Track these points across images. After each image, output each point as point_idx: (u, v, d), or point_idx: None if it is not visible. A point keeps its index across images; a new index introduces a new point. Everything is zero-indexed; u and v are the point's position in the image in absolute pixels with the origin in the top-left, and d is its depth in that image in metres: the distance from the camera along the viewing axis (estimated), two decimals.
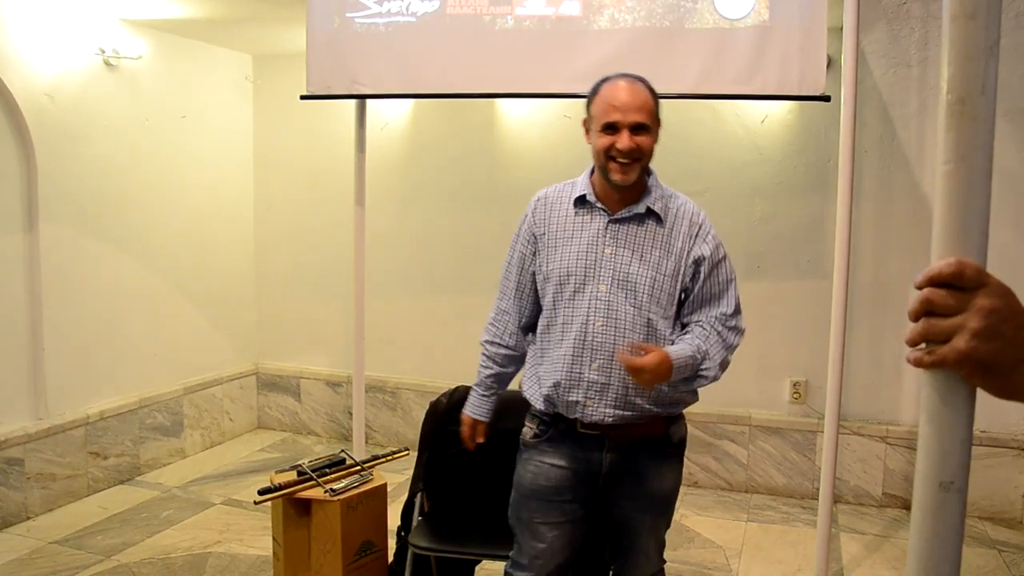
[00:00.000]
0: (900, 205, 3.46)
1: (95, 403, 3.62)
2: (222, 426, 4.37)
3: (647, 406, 1.78)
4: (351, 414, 4.16)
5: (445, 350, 4.16)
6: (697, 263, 1.80)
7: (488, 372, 1.97)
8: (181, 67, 3.97)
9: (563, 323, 1.79)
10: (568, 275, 1.79)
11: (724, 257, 1.84)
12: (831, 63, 2.84)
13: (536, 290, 1.89)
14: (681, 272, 1.79)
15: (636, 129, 1.73)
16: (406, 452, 2.64)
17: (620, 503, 1.86)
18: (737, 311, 1.84)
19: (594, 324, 1.75)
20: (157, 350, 3.96)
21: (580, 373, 1.76)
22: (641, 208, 1.79)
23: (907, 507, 3.59)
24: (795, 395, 3.69)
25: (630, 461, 1.82)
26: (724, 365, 1.82)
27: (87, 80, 3.50)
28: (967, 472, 0.67)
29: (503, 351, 1.96)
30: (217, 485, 3.74)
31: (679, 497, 1.96)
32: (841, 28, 2.64)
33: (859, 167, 3.28)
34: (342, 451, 2.59)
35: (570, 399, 1.77)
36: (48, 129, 3.33)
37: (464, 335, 3.72)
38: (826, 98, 2.72)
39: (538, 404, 1.85)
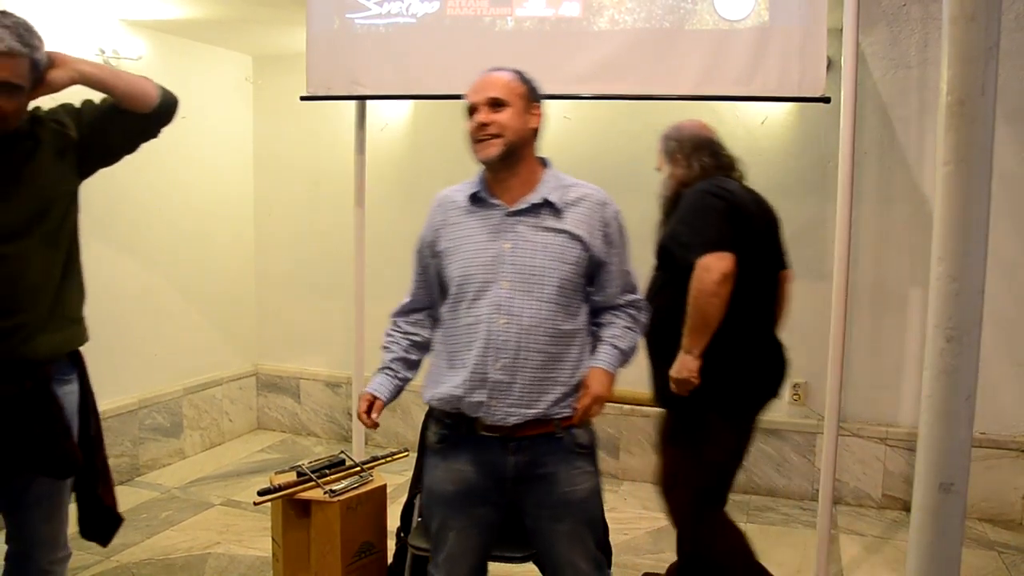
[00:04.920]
0: (900, 206, 3.46)
1: None
2: (222, 427, 4.37)
3: (552, 405, 1.74)
4: (351, 415, 4.16)
5: None
6: (603, 243, 1.79)
7: (392, 356, 1.91)
8: (181, 68, 3.97)
9: (467, 324, 1.75)
10: (468, 276, 1.75)
11: (625, 240, 1.85)
12: (831, 64, 2.84)
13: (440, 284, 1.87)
14: (585, 259, 1.77)
15: (494, 106, 1.75)
16: (406, 453, 2.64)
17: (532, 511, 1.81)
18: (638, 289, 1.90)
19: (497, 323, 1.71)
20: (157, 350, 3.95)
21: (484, 373, 1.72)
22: (536, 198, 1.76)
23: (907, 509, 3.58)
24: (795, 396, 3.69)
25: (537, 464, 1.76)
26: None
27: None
28: (967, 474, 0.67)
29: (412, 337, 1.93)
30: (217, 486, 3.74)
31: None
32: (841, 29, 2.64)
33: (859, 168, 3.28)
34: (342, 452, 2.59)
35: (473, 400, 1.73)
36: None
37: None
38: (826, 99, 2.72)
39: (440, 406, 1.80)
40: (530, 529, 1.84)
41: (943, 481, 0.68)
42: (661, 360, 2.32)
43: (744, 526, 3.37)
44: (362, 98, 3.26)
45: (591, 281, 1.82)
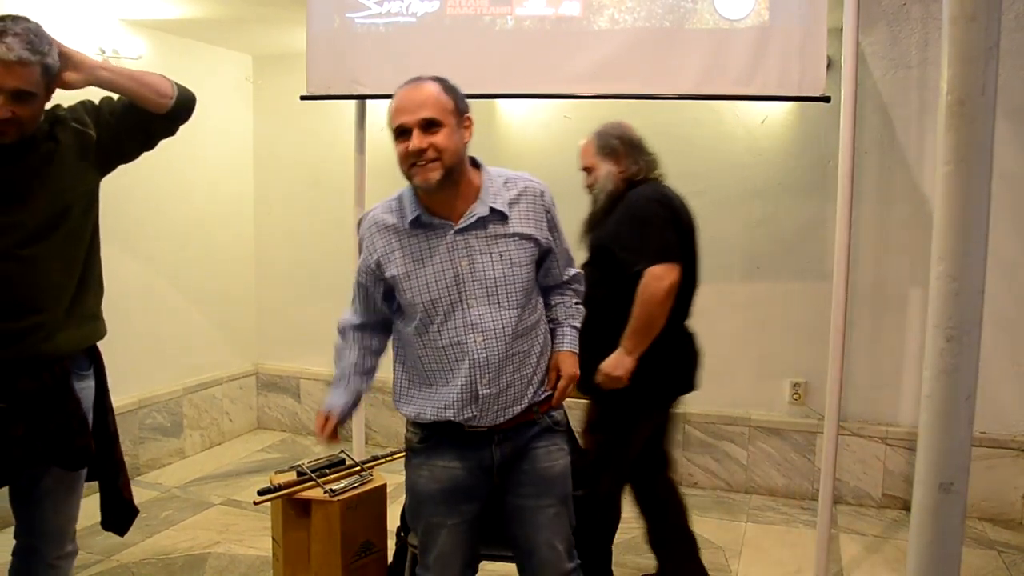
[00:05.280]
0: (900, 206, 3.46)
1: None
2: (222, 426, 4.37)
3: (533, 395, 1.80)
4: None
5: None
6: (548, 232, 1.81)
7: (345, 365, 1.97)
8: (181, 67, 3.96)
9: (442, 347, 1.74)
10: (433, 301, 1.73)
11: (559, 220, 1.86)
12: (831, 64, 2.84)
13: (384, 301, 1.88)
14: (537, 254, 1.80)
15: (428, 127, 1.68)
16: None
17: (515, 491, 1.83)
18: (574, 260, 1.97)
19: (475, 341, 1.72)
20: (157, 350, 3.95)
21: (473, 391, 1.73)
22: (483, 210, 1.73)
23: (907, 508, 3.59)
24: (795, 396, 3.69)
25: (519, 447, 1.81)
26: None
27: None
28: (967, 473, 0.67)
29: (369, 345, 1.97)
30: (217, 485, 3.74)
31: None
32: (841, 29, 2.64)
33: (859, 168, 3.28)
34: (342, 451, 2.59)
35: (465, 415, 1.75)
36: None
37: None
38: (826, 99, 2.72)
39: (427, 420, 1.81)
40: (512, 507, 1.84)
41: (943, 481, 0.68)
42: (592, 355, 2.36)
43: (744, 525, 3.37)
44: (362, 98, 3.26)
45: (539, 266, 1.85)
